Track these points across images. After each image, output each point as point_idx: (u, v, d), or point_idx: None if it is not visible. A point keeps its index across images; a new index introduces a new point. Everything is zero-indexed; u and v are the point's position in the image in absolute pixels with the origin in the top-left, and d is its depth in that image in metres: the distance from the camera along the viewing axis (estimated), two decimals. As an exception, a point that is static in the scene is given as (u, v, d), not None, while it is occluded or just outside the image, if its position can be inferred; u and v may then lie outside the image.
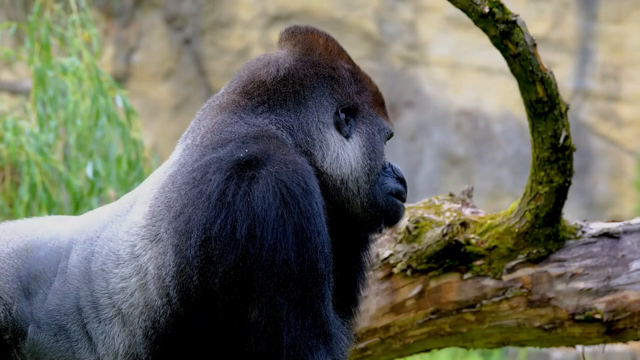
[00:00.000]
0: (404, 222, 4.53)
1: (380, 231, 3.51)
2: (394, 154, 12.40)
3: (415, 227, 4.50)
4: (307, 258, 3.12)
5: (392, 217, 3.49)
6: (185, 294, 3.17)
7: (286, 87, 3.39)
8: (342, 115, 3.43)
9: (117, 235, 3.30)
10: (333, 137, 3.41)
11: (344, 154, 3.41)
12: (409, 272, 4.51)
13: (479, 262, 4.45)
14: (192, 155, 3.28)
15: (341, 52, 3.50)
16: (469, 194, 4.64)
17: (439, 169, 13.31)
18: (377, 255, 4.56)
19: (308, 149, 3.36)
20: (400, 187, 3.50)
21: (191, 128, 3.41)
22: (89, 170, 7.09)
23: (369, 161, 3.45)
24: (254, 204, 3.11)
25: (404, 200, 3.52)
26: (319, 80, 3.43)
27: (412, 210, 4.58)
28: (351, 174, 3.41)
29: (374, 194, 3.44)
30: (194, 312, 3.18)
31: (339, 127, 3.42)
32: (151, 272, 3.21)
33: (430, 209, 4.56)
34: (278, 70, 3.40)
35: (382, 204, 3.46)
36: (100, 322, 3.26)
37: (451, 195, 4.64)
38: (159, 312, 3.20)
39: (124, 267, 3.25)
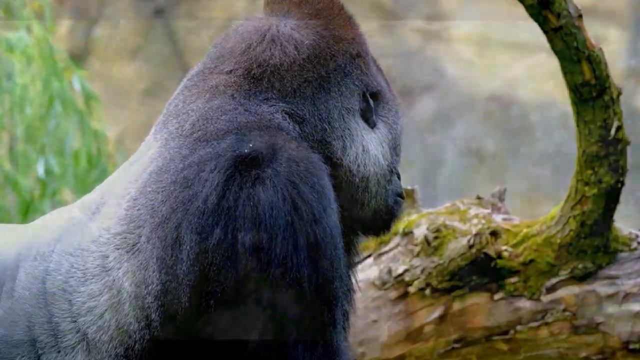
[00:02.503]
0: (421, 231, 4.54)
1: (378, 235, 3.53)
2: (410, 148, 12.43)
3: (436, 237, 4.51)
4: (321, 276, 3.10)
5: (394, 221, 3.51)
6: (169, 317, 3.15)
7: (307, 70, 3.35)
8: (371, 101, 3.42)
9: (80, 246, 3.28)
10: (359, 126, 3.40)
11: (372, 148, 3.40)
12: (427, 292, 4.52)
13: (512, 280, 4.47)
14: (180, 148, 3.25)
15: (355, 20, 3.49)
16: (501, 197, 4.65)
17: (464, 167, 13.34)
18: (390, 271, 4.57)
19: (324, 137, 3.33)
20: (400, 184, 3.52)
21: (172, 112, 3.36)
22: (40, 168, 7.10)
23: (395, 157, 3.48)
24: (260, 210, 3.07)
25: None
26: (345, 58, 3.39)
27: (432, 216, 4.59)
28: (376, 172, 3.40)
29: (387, 195, 3.45)
30: (179, 339, 3.16)
31: (365, 114, 3.41)
32: (127, 290, 3.19)
33: (454, 215, 4.57)
34: (298, 51, 3.35)
35: (391, 206, 3.47)
36: (59, 351, 3.25)
37: (479, 198, 4.65)
38: (134, 337, 3.18)
39: (92, 284, 3.23)
